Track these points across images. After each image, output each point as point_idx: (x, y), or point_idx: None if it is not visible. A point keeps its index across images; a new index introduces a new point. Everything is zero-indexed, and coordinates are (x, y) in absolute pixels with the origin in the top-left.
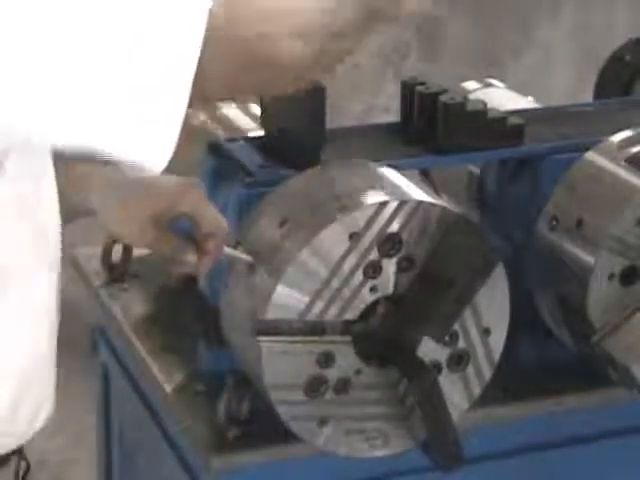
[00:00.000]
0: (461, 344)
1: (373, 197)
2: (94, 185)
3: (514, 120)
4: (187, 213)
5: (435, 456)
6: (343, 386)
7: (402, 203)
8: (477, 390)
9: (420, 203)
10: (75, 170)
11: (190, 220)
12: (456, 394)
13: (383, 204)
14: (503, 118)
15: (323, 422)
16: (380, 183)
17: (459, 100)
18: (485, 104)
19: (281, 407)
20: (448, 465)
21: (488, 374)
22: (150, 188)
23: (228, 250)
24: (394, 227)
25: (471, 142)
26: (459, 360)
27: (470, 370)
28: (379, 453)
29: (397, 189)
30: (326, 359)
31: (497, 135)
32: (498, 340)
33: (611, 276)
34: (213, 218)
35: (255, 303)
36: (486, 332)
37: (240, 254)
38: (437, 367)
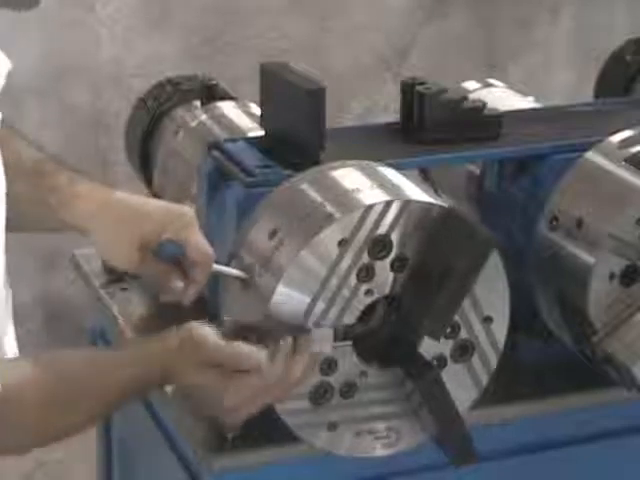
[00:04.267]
0: (463, 335)
1: (369, 198)
2: (87, 206)
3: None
4: (173, 239)
5: (446, 452)
6: (348, 390)
7: (388, 204)
8: (485, 379)
9: (406, 202)
10: (67, 191)
11: (177, 247)
12: (464, 385)
13: (370, 207)
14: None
15: (332, 427)
16: (377, 183)
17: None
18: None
19: (288, 417)
20: (460, 461)
21: (494, 362)
22: (140, 212)
23: (220, 268)
24: (382, 229)
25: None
26: (463, 351)
27: (476, 360)
28: (392, 451)
29: (394, 189)
30: (328, 366)
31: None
32: (501, 327)
33: (611, 276)
34: (200, 246)
35: (252, 312)
36: (487, 320)
37: (232, 270)
38: (442, 360)
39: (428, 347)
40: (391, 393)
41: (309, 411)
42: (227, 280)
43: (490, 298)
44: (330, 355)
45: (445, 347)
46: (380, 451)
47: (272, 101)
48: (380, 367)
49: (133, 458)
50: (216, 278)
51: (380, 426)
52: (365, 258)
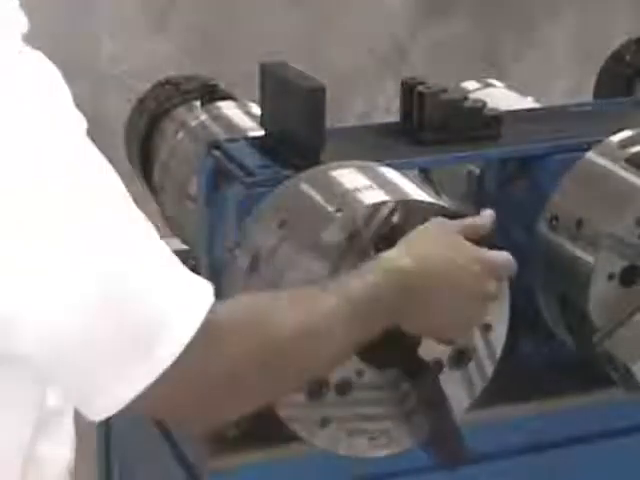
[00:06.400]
0: (462, 341)
1: (370, 197)
2: None
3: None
4: None
5: (439, 455)
6: (344, 387)
7: (399, 203)
8: (479, 387)
9: (417, 202)
10: None
11: None
12: (458, 391)
13: (380, 204)
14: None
15: (325, 423)
16: (377, 183)
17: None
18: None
19: (283, 409)
20: (452, 463)
21: (490, 370)
22: None
23: None
24: (391, 227)
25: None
26: (460, 357)
27: (472, 367)
28: (382, 452)
29: (394, 189)
30: None
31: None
32: (499, 336)
33: (611, 276)
34: None
35: None
36: (487, 328)
37: None
38: (438, 365)
39: (426, 351)
40: (386, 394)
41: (304, 405)
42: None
43: (491, 306)
44: None
45: (443, 352)
46: (371, 452)
47: (272, 101)
48: (378, 367)
49: (133, 458)
50: (218, 268)
51: (371, 427)
52: (372, 255)
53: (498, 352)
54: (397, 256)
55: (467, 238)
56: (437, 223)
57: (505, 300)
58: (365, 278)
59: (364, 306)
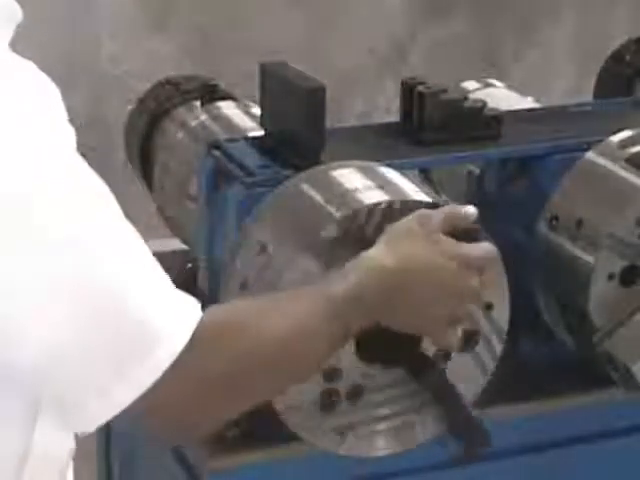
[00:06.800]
0: (466, 326)
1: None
2: None
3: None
4: None
5: (463, 443)
6: (355, 393)
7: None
8: (491, 365)
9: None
10: None
11: None
12: (471, 374)
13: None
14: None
15: (344, 431)
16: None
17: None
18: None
19: (299, 428)
20: (475, 450)
21: (499, 347)
22: None
23: None
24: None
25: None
26: (467, 340)
27: (480, 348)
28: (407, 446)
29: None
30: (332, 373)
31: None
32: (502, 312)
33: (611, 276)
34: None
35: None
36: (489, 307)
37: None
38: (447, 352)
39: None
40: (399, 390)
41: (318, 418)
42: (227, 279)
43: (489, 287)
44: (332, 364)
45: None
46: (396, 448)
47: (272, 101)
48: (383, 367)
49: (133, 458)
50: (218, 268)
51: (392, 424)
52: None
53: (504, 327)
54: (379, 255)
55: (448, 232)
56: (416, 217)
57: (502, 276)
58: (347, 277)
59: (345, 305)
